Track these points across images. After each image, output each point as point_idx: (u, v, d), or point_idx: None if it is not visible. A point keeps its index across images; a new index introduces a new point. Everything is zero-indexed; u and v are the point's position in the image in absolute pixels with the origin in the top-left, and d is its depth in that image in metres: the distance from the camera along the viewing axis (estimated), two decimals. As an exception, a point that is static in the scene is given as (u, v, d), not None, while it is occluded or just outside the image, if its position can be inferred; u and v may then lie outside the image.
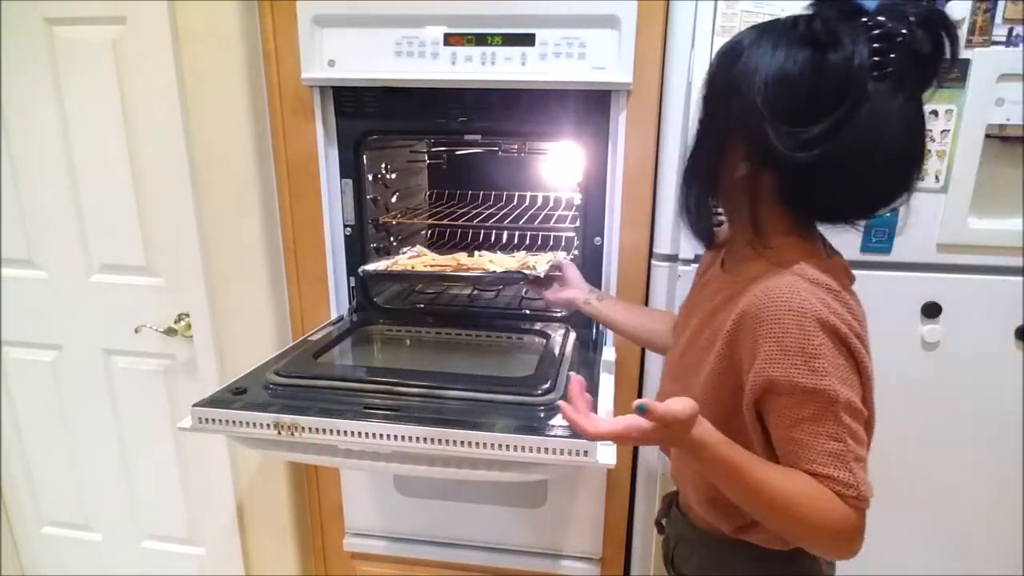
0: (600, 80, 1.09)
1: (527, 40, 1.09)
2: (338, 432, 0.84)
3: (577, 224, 1.29)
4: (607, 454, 0.78)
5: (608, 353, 1.16)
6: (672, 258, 1.14)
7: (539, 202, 1.70)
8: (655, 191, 1.15)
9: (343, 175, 1.26)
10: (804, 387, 0.60)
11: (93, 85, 1.29)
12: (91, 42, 1.27)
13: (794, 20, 0.62)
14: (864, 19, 0.58)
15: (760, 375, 0.63)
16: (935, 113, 1.02)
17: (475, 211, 1.61)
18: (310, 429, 0.84)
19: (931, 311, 1.10)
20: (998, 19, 0.97)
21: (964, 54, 0.98)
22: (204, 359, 1.39)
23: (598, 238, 1.20)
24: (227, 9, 1.18)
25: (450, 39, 1.11)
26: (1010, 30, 0.97)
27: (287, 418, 0.84)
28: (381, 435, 0.82)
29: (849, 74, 0.57)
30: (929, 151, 1.04)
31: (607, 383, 1.00)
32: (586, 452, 0.77)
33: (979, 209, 1.05)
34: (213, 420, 0.87)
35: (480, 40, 1.10)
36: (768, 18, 0.65)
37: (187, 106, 1.24)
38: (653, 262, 1.17)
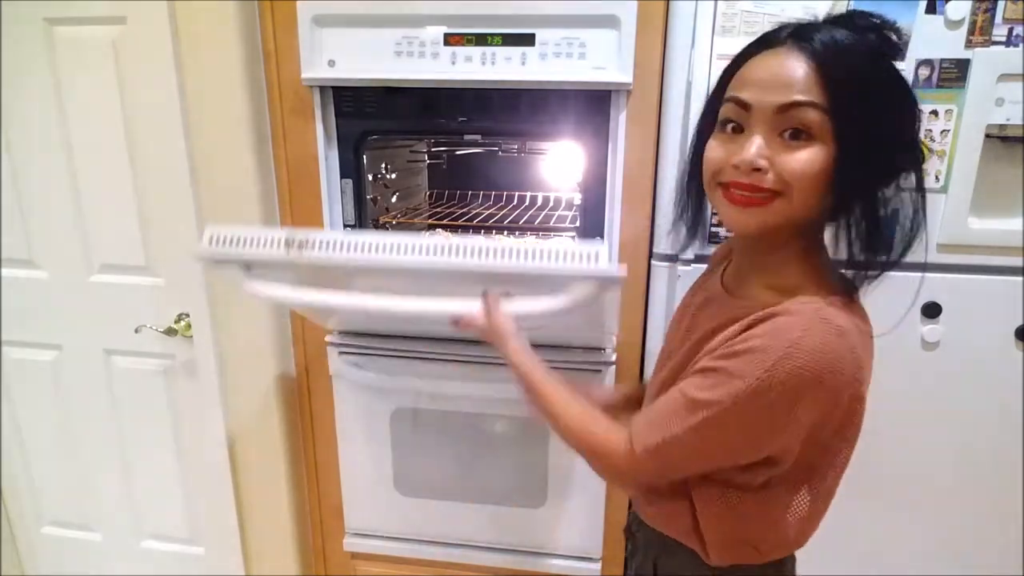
0: (600, 80, 1.09)
1: (527, 40, 1.09)
2: (351, 248, 0.80)
3: (577, 224, 1.29)
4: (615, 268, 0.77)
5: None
6: (672, 258, 1.14)
7: (539, 202, 1.70)
8: (655, 191, 1.15)
9: (343, 175, 1.26)
10: (709, 378, 0.62)
11: (93, 85, 1.29)
12: (91, 42, 1.27)
13: (872, 31, 0.63)
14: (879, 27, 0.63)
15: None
16: (935, 113, 1.02)
17: (475, 211, 1.61)
18: (321, 244, 0.81)
19: (931, 311, 1.10)
20: (998, 19, 0.97)
21: (964, 54, 0.99)
22: (204, 359, 1.39)
23: (598, 238, 1.20)
24: (227, 9, 1.18)
25: (450, 39, 1.11)
26: (1010, 30, 0.97)
27: (300, 233, 0.81)
28: (397, 248, 0.79)
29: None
30: (929, 151, 1.04)
31: (607, 382, 1.00)
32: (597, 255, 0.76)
33: (979, 209, 1.05)
34: (226, 240, 0.83)
35: (480, 40, 1.10)
36: (768, 18, 0.65)
37: (187, 106, 1.24)
38: (653, 262, 1.17)
